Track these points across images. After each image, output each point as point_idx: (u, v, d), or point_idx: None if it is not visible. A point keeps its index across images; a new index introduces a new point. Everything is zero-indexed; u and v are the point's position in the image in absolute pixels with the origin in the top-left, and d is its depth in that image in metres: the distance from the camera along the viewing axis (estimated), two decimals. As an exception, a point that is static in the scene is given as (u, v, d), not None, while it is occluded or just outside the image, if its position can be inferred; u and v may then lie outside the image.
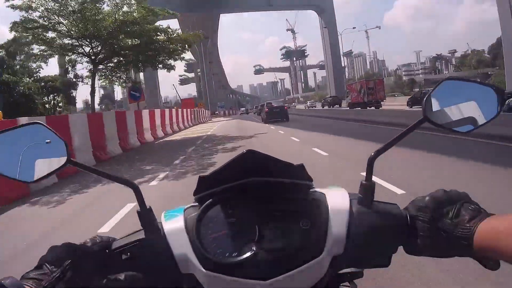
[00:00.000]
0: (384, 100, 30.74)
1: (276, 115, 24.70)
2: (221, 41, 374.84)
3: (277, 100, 37.64)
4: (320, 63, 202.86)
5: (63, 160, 0.57)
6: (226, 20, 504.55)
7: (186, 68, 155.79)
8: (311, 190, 0.63)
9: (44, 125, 0.58)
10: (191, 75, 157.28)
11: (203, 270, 0.54)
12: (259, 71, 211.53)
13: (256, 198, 0.60)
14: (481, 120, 0.55)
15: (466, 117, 0.56)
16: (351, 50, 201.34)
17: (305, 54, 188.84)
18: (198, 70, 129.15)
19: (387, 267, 0.58)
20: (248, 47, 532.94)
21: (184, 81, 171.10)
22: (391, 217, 0.57)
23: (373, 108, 27.15)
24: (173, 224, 0.59)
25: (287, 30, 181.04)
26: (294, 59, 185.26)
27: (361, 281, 0.63)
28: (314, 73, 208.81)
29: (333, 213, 0.57)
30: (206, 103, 65.96)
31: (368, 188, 0.58)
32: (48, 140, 0.57)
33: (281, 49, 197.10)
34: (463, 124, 0.56)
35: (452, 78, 0.58)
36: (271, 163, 0.60)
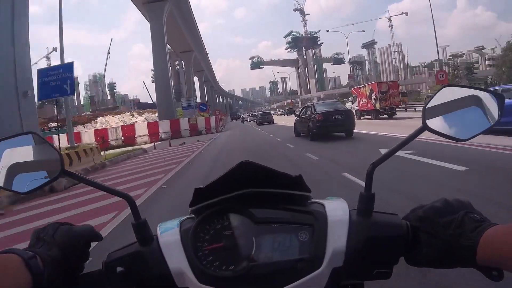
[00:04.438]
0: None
1: (336, 125, 13.17)
2: (210, 46, 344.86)
3: (329, 101, 18.67)
4: (335, 55, 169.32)
5: (57, 170, 0.57)
6: (216, 24, 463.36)
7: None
8: (309, 201, 0.64)
9: (38, 135, 0.59)
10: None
11: (199, 284, 0.54)
12: (257, 64, 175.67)
13: (253, 209, 0.61)
14: (481, 126, 0.56)
15: (467, 124, 0.57)
16: (373, 39, 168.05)
17: (318, 41, 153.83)
18: (177, 62, 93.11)
19: (389, 279, 0.58)
20: (241, 49, 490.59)
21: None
22: (392, 228, 0.57)
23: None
24: (169, 237, 0.59)
25: (295, 10, 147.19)
26: (304, 49, 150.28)
27: None
28: (325, 69, 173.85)
29: (332, 225, 0.57)
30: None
31: (367, 198, 0.59)
32: (43, 150, 0.58)
33: (285, 36, 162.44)
34: (464, 131, 0.57)
35: (451, 85, 0.59)
36: (268, 173, 0.61)
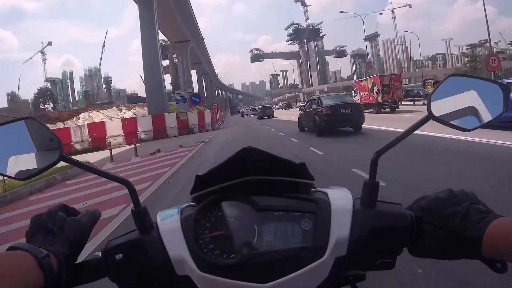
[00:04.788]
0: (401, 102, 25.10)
1: (344, 120, 12.34)
2: (210, 41, 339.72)
3: (336, 94, 17.26)
4: (337, 48, 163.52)
5: (55, 155, 0.56)
6: (215, 19, 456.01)
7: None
8: (312, 189, 0.63)
9: (37, 120, 0.58)
10: (165, 62, 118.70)
11: (199, 272, 0.53)
12: (257, 57, 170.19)
13: (255, 197, 0.60)
14: (486, 117, 0.56)
15: (472, 114, 0.57)
16: (376, 32, 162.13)
17: (320, 33, 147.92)
18: (175, 55, 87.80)
19: (392, 270, 0.58)
20: (240, 44, 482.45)
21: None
22: (396, 218, 0.56)
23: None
24: (169, 224, 0.59)
25: (296, 1, 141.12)
26: (305, 41, 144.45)
27: (364, 283, 0.62)
28: (327, 62, 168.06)
29: (335, 213, 0.57)
30: None
31: (371, 188, 0.58)
32: (41, 136, 0.58)
33: (286, 28, 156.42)
34: (469, 121, 0.57)
35: (457, 75, 0.59)
36: (271, 160, 0.60)
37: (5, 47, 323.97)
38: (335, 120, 12.17)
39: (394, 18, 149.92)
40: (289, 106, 77.77)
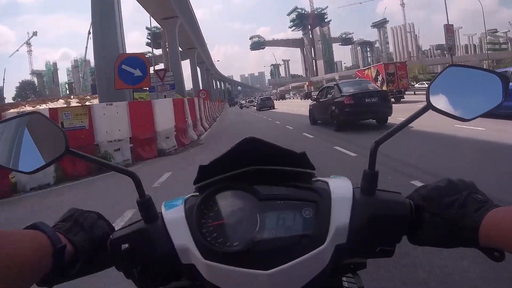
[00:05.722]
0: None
1: (369, 111, 10.70)
2: (208, 33, 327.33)
3: (357, 80, 14.81)
4: (343, 35, 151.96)
5: (62, 149, 0.57)
6: (213, 10, 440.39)
7: (149, 41, 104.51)
8: (313, 178, 0.64)
9: (43, 115, 0.59)
10: (159, 52, 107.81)
11: (203, 260, 0.54)
12: (257, 44, 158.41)
13: (257, 186, 0.61)
14: (485, 107, 0.57)
15: (471, 104, 0.57)
16: (384, 18, 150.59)
17: (326, 19, 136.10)
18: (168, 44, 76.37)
19: (391, 257, 0.59)
20: (239, 35, 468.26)
21: (148, 61, 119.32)
22: (395, 206, 0.57)
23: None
24: (174, 214, 0.60)
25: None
26: (309, 27, 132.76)
27: (364, 271, 0.64)
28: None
29: (335, 202, 0.58)
30: None
31: (371, 176, 0.59)
32: (47, 129, 0.58)
33: (289, 14, 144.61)
34: (468, 111, 0.57)
35: (456, 65, 0.59)
36: (273, 150, 0.61)
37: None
38: (358, 112, 10.49)
39: (403, 5, 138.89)
40: (282, 97, 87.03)
